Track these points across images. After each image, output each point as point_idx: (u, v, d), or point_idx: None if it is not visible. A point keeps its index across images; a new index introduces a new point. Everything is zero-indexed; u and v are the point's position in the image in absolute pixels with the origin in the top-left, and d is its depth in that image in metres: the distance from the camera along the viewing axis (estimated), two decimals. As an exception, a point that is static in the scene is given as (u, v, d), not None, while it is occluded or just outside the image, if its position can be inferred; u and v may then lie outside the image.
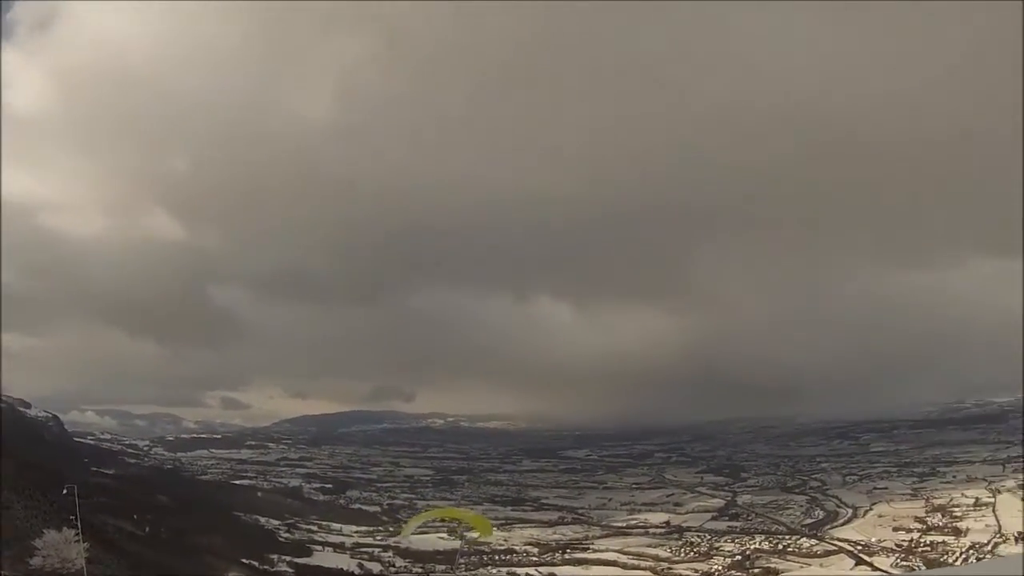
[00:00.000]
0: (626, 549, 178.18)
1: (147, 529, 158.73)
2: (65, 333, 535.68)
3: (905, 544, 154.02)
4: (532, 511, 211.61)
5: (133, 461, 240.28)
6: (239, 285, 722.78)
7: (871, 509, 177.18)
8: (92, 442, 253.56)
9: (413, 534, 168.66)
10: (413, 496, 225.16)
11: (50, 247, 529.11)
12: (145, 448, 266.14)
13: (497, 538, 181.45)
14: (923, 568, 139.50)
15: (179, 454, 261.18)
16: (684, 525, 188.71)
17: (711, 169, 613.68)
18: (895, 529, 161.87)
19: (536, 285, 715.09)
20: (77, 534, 45.71)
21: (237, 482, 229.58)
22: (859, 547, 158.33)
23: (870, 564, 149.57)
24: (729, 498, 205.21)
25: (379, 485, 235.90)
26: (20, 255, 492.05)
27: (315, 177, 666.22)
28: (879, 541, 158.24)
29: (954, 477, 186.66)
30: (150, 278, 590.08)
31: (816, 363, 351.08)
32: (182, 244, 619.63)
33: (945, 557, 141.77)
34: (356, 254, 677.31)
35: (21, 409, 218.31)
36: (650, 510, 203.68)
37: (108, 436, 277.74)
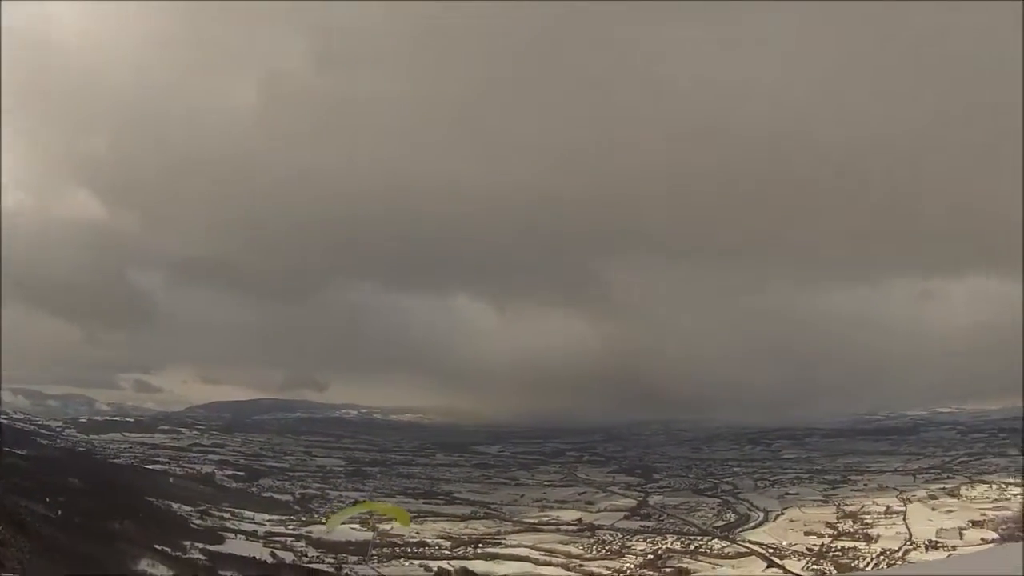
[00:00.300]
0: (538, 545, 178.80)
1: (59, 512, 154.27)
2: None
3: (816, 548, 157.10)
4: (444, 504, 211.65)
5: (46, 442, 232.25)
6: (157, 269, 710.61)
7: (783, 513, 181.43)
8: (4, 421, 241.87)
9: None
10: (326, 486, 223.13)
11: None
12: (58, 429, 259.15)
13: (409, 531, 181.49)
14: (834, 571, 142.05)
15: (92, 436, 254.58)
16: (596, 523, 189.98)
17: (638, 185, 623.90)
18: (806, 533, 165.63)
19: (454, 284, 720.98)
20: None
21: (150, 466, 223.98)
22: (771, 550, 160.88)
23: (782, 567, 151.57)
24: (641, 498, 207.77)
25: (291, 474, 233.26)
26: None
27: (238, 167, 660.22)
28: (790, 545, 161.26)
29: (865, 485, 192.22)
30: (68, 257, 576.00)
31: (729, 372, 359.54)
32: (102, 225, 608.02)
33: (856, 562, 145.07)
34: (275, 244, 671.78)
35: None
36: (562, 507, 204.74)
37: (20, 416, 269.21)
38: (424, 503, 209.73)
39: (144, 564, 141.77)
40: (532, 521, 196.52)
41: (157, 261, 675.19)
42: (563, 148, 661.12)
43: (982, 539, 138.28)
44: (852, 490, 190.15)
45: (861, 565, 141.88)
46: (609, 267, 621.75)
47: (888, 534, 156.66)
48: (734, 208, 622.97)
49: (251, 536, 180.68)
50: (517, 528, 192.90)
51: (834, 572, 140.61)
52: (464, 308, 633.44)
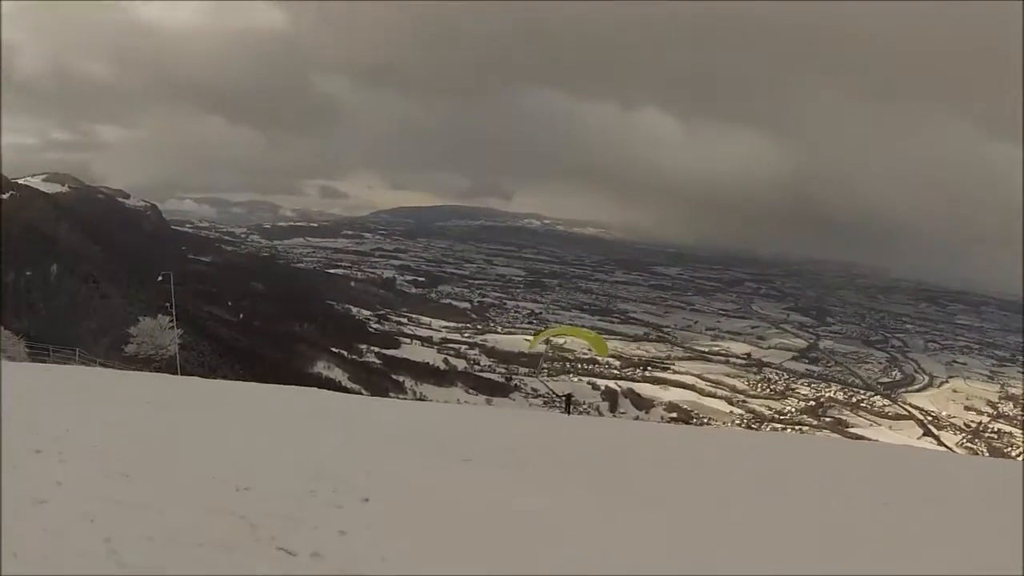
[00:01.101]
0: (705, 375, 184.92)
1: (241, 316, 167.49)
2: (163, 123, 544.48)
3: (974, 426, 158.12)
4: (619, 323, 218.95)
5: (230, 248, 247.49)
6: (340, 74, 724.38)
7: (947, 382, 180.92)
8: (190, 230, 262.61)
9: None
10: (504, 296, 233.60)
11: (147, 37, 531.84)
12: (242, 235, 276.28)
13: (581, 346, 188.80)
14: (986, 453, 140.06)
15: (276, 242, 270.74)
16: (764, 360, 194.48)
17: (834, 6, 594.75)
18: (967, 408, 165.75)
19: (643, 97, 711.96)
20: (171, 321, 46.52)
21: (332, 271, 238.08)
22: (930, 417, 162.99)
23: (937, 438, 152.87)
24: (812, 340, 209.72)
25: (471, 282, 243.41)
26: (118, 46, 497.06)
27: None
28: (949, 416, 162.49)
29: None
30: (249, 66, 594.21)
31: (914, 221, 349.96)
32: (281, 32, 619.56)
33: (1009, 449, 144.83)
34: (462, 49, 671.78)
35: (120, 200, 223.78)
36: (733, 339, 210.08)
37: (206, 224, 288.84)
38: (599, 320, 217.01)
39: (320, 366, 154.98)
40: (703, 350, 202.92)
41: (340, 66, 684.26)
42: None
43: None
44: (1019, 371, 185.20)
45: (1014, 453, 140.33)
46: (803, 96, 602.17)
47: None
48: (925, 53, 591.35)
49: (426, 342, 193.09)
50: (687, 355, 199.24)
51: (986, 454, 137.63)
52: (651, 122, 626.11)
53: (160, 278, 48.45)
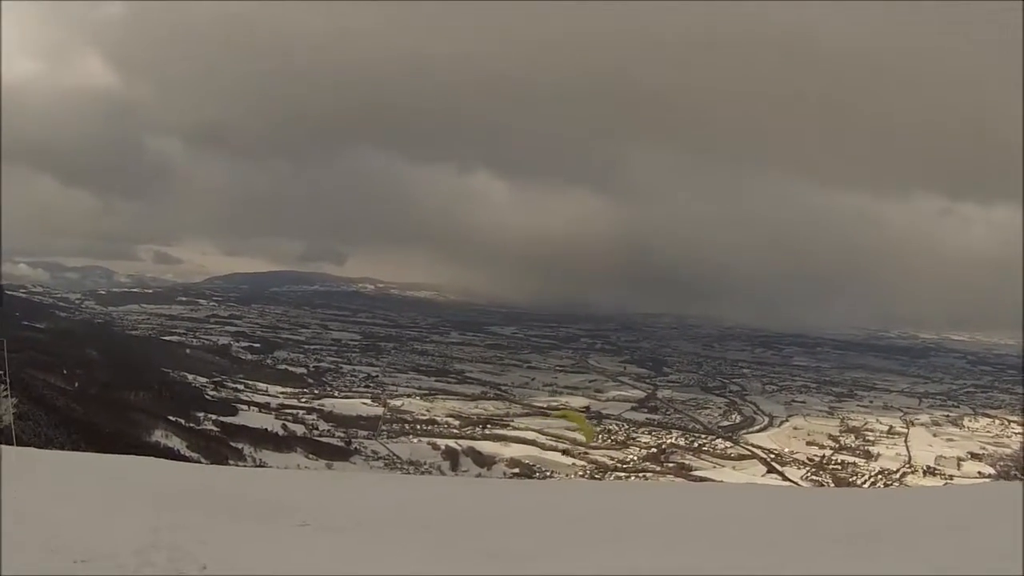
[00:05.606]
0: (545, 430, 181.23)
1: (76, 384, 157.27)
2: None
3: (816, 459, 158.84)
4: (456, 383, 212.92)
5: (64, 315, 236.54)
6: (173, 137, 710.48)
7: (787, 420, 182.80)
8: (23, 295, 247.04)
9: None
10: (340, 360, 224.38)
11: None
12: (77, 301, 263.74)
13: (420, 408, 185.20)
14: (832, 484, 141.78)
15: (110, 308, 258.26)
16: (603, 412, 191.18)
17: (659, 67, 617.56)
18: (808, 443, 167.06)
19: (475, 160, 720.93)
20: (5, 389, 43.77)
21: (167, 338, 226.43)
22: (772, 455, 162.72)
23: (781, 473, 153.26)
24: (650, 391, 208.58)
25: (307, 347, 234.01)
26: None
27: (255, 32, 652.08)
28: (792, 452, 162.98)
29: (871, 402, 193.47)
30: (82, 126, 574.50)
31: (745, 270, 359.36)
32: (116, 92, 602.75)
33: (854, 478, 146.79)
34: (295, 112, 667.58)
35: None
36: (571, 393, 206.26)
37: (40, 289, 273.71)
38: (436, 381, 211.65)
39: (158, 435, 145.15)
40: (541, 405, 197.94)
41: (174, 128, 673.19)
42: (591, 34, 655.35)
43: (979, 472, 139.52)
44: (858, 405, 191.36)
45: (859, 481, 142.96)
46: (631, 155, 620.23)
47: (888, 454, 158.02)
48: (756, 100, 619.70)
49: (264, 408, 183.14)
50: (526, 411, 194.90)
51: (831, 485, 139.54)
52: (482, 184, 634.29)
53: (-6, 345, 44.68)
